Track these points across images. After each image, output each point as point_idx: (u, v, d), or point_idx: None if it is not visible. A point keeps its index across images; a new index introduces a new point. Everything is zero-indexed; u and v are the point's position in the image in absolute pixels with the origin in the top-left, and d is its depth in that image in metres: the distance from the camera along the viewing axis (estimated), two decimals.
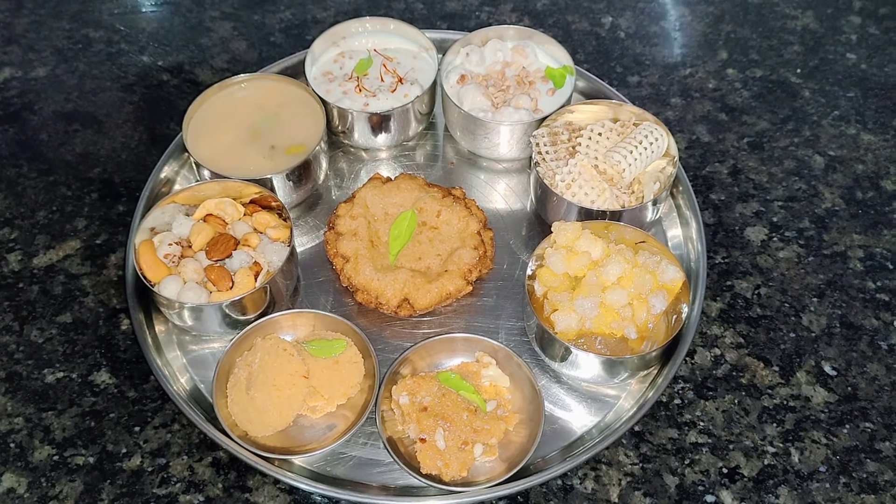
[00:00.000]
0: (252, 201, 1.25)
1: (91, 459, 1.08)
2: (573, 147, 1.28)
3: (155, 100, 1.48)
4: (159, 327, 1.20)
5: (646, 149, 1.25)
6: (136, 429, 1.11)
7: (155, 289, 1.13)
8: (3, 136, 1.42)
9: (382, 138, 1.38)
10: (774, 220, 1.33)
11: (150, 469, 1.08)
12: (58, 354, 1.17)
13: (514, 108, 1.33)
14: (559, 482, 1.07)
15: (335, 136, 1.40)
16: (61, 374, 1.16)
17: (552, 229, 1.16)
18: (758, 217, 1.34)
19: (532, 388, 1.10)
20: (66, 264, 1.27)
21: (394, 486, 1.07)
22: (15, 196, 1.34)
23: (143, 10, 1.64)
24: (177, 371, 1.15)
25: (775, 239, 1.31)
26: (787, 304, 1.24)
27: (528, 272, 1.15)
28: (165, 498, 1.05)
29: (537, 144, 1.28)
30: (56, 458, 1.08)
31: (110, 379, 1.15)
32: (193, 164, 1.29)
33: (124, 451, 1.09)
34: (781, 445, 1.11)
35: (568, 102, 1.35)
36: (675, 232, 1.31)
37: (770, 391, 1.15)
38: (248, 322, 1.15)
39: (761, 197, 1.36)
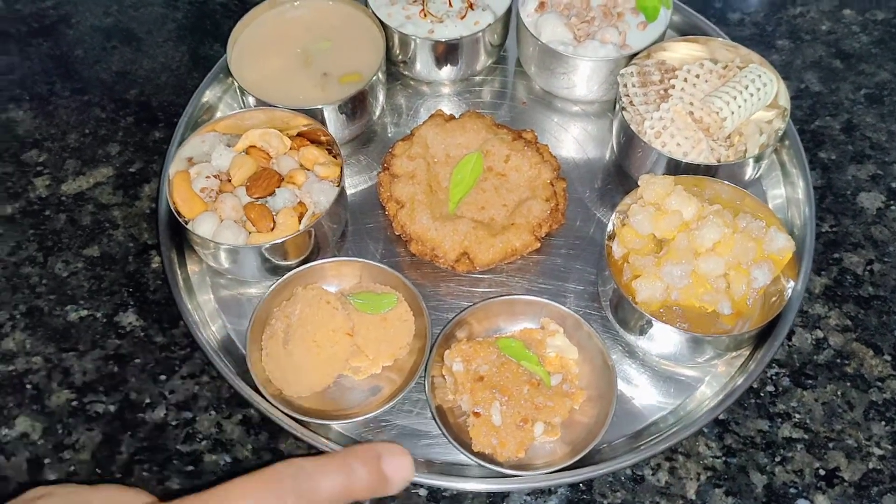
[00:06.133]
0: (300, 134, 1.12)
1: (112, 408, 0.99)
2: (665, 90, 1.12)
3: (199, 17, 1.35)
4: (192, 267, 1.09)
5: (752, 95, 1.08)
6: (162, 377, 1.01)
7: (189, 226, 1.01)
8: (36, 51, 1.31)
9: (447, 71, 1.24)
10: (894, 185, 1.16)
11: (174, 423, 0.98)
12: (82, 290, 1.08)
13: (600, 43, 1.17)
14: (628, 471, 0.94)
15: (394, 67, 1.26)
16: (85, 313, 1.06)
17: (639, 183, 1.01)
18: (874, 181, 1.16)
19: (604, 362, 0.96)
20: (96, 193, 1.16)
21: (439, 462, 0.95)
22: (46, 116, 1.24)
23: None
24: (208, 317, 1.05)
25: (893, 207, 1.14)
26: None
27: (609, 230, 1.01)
28: (189, 456, 0.96)
29: (625, 85, 1.12)
30: (75, 403, 0.99)
31: (137, 321, 1.05)
32: (238, 90, 1.17)
33: (148, 401, 0.99)
34: (890, 448, 0.95)
35: (661, 39, 1.18)
36: (776, 192, 1.15)
37: (880, 384, 1.00)
38: (290, 268, 1.03)
39: (879, 158, 1.18)
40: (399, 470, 0.79)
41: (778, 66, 1.28)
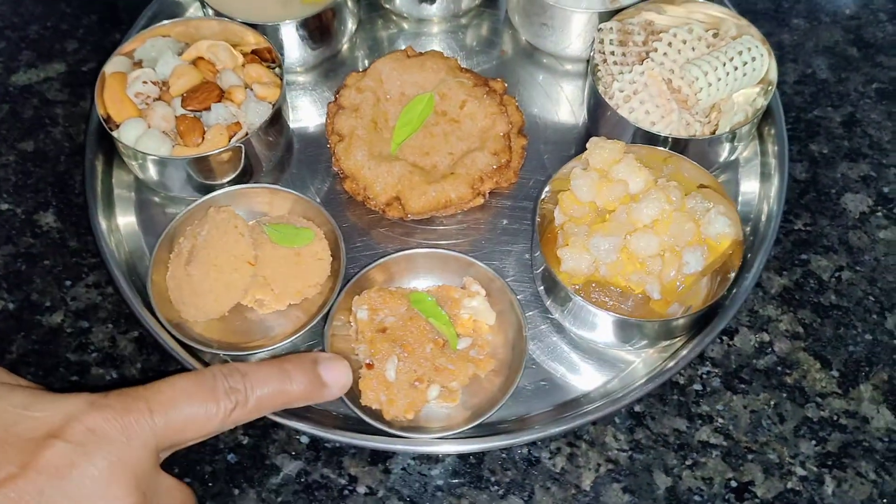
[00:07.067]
0: (254, 52, 1.06)
1: (11, 306, 0.96)
2: (647, 53, 1.02)
3: None
4: (124, 177, 1.05)
5: (736, 68, 0.98)
6: (68, 283, 0.98)
7: (114, 133, 0.97)
8: None
9: (429, 7, 1.16)
10: (885, 190, 1.05)
11: (69, 330, 0.94)
12: (9, 184, 1.05)
13: None
14: (524, 451, 0.88)
15: None
16: (6, 207, 1.03)
17: (587, 145, 0.92)
18: (864, 183, 1.05)
19: (519, 332, 0.89)
20: (44, 87, 1.13)
21: (335, 415, 0.90)
22: (11, 3, 1.20)
23: None
24: (128, 232, 1.01)
25: (879, 214, 1.03)
26: (871, 298, 0.97)
27: (544, 194, 0.93)
28: (77, 365, 0.92)
29: (601, 41, 1.03)
30: None
31: (55, 222, 1.02)
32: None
33: (49, 304, 0.96)
34: (815, 470, 0.87)
35: None
36: (751, 184, 1.04)
37: (819, 399, 0.91)
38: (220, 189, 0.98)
39: (875, 159, 1.07)
40: (338, 376, 0.78)
41: (787, 46, 1.17)
